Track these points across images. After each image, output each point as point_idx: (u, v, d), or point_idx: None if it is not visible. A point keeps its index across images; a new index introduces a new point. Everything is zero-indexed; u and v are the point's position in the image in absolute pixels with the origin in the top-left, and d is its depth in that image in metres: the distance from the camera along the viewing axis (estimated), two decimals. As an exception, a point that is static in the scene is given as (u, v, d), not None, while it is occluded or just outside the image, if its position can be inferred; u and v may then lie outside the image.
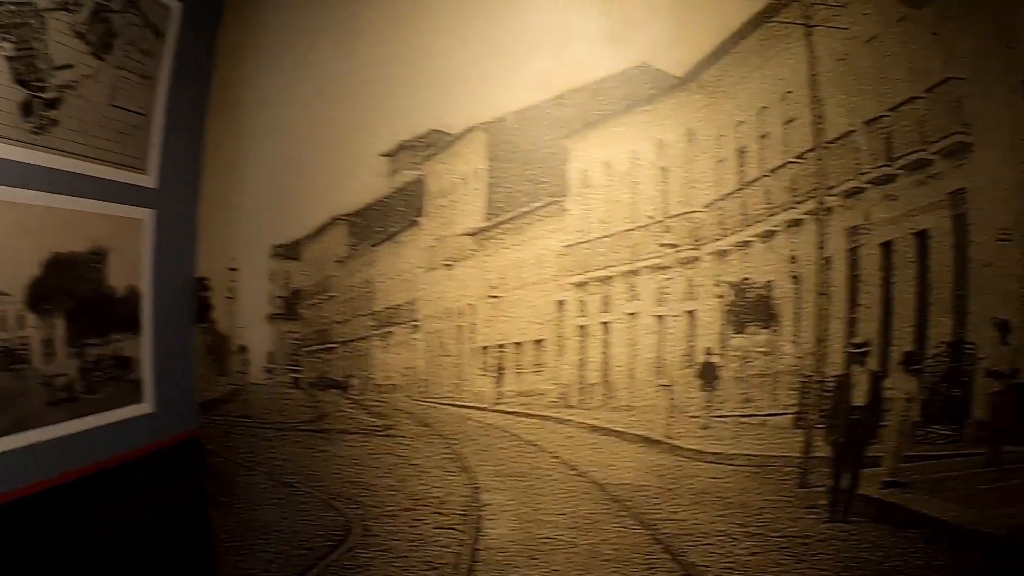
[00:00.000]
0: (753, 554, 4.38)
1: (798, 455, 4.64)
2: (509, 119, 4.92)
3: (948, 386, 4.64)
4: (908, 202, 4.65)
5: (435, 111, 5.02)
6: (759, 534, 4.45)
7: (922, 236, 4.67)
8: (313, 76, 5.22)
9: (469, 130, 5.17)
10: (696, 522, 4.55)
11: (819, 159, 4.71)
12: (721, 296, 4.90)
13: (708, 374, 4.93)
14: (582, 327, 5.37)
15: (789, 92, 4.81)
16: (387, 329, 5.72)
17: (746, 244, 4.99)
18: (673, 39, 4.67)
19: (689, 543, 4.45)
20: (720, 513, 4.58)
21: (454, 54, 4.92)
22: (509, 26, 4.85)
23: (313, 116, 5.23)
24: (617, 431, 5.10)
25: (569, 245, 5.31)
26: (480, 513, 4.81)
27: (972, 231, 4.57)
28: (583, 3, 4.81)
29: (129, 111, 4.40)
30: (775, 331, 4.83)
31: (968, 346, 4.60)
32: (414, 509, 4.97)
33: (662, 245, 5.07)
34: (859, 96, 4.69)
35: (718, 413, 4.94)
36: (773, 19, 4.71)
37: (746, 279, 4.89)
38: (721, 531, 4.49)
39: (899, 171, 4.65)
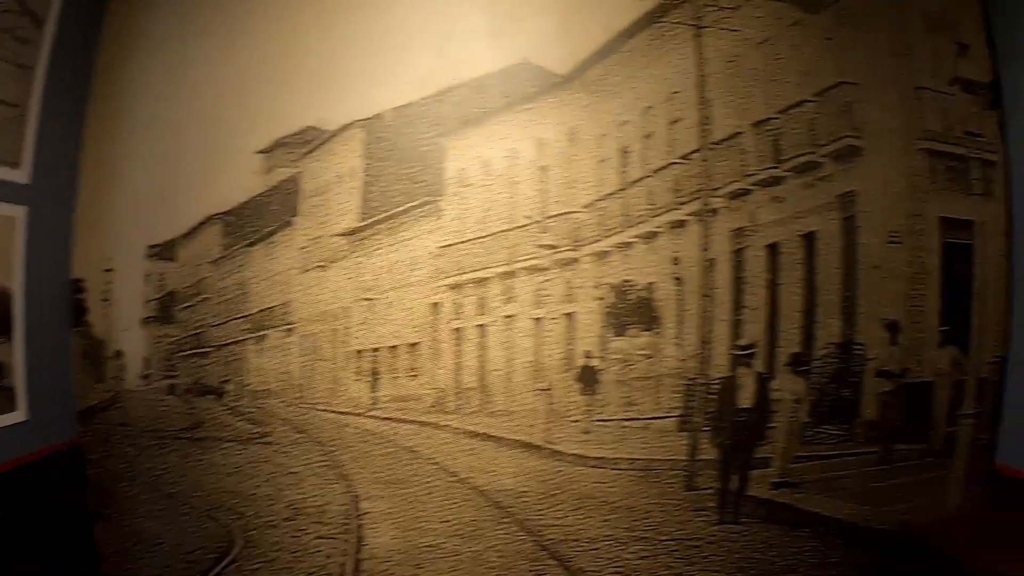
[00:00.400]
0: (642, 558, 4.33)
1: (684, 458, 4.61)
2: (388, 116, 4.79)
3: (837, 386, 4.64)
4: (796, 204, 4.62)
5: (313, 107, 4.85)
6: (647, 537, 4.41)
7: (809, 238, 4.65)
8: (196, 69, 5.01)
9: (347, 127, 5.04)
10: (582, 527, 4.48)
11: (704, 160, 4.66)
12: (601, 298, 4.81)
13: (588, 378, 4.83)
14: (458, 330, 5.25)
15: (676, 92, 4.76)
16: (261, 333, 5.52)
17: (627, 245, 4.91)
18: (558, 36, 4.57)
19: (576, 548, 4.37)
20: (606, 517, 4.52)
21: (336, 50, 4.75)
22: (391, 22, 4.69)
23: (193, 111, 5.01)
24: (496, 436, 5.00)
25: (445, 246, 5.21)
26: (361, 522, 4.68)
27: (861, 233, 4.57)
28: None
29: (2, 102, 4.19)
30: (657, 333, 4.77)
31: (857, 347, 4.61)
32: (295, 519, 4.81)
33: (540, 246, 4.97)
34: (747, 98, 4.66)
35: (599, 417, 4.85)
36: (663, 19, 4.66)
37: (627, 281, 4.82)
38: (608, 535, 4.43)
39: (787, 173, 4.62)
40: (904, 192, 4.63)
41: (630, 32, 4.66)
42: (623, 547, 4.37)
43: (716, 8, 4.62)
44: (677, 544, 4.36)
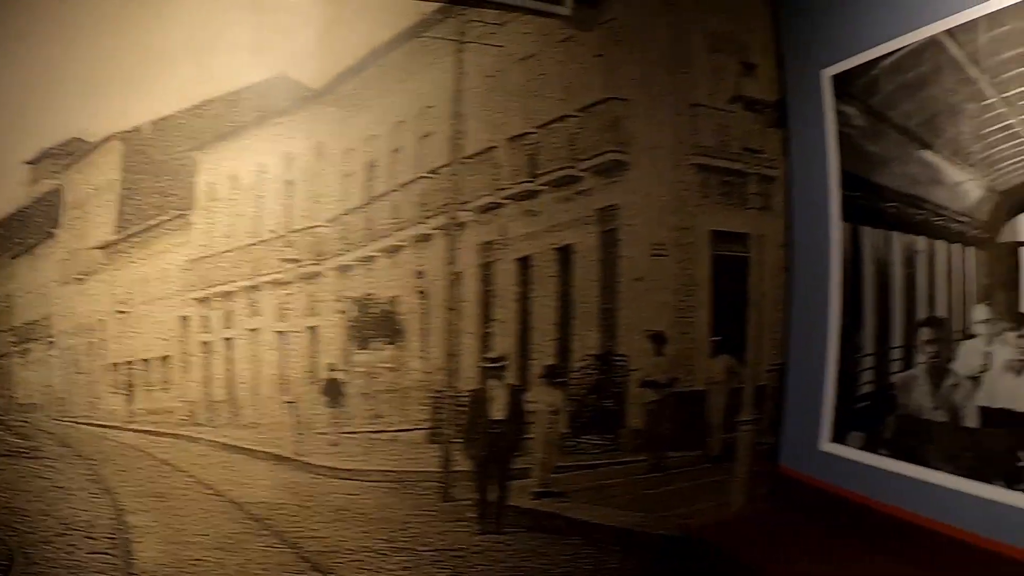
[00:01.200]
0: (405, 568, 4.32)
1: (437, 470, 4.61)
2: (146, 129, 4.75)
3: (598, 397, 4.69)
4: (550, 217, 4.67)
5: (78, 118, 4.74)
6: (408, 549, 4.40)
7: (565, 251, 4.72)
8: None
9: (107, 139, 4.95)
10: (340, 539, 4.45)
11: (454, 174, 4.66)
12: (343, 312, 4.79)
13: (333, 390, 4.80)
14: (206, 343, 5.20)
15: (429, 107, 4.77)
16: (26, 345, 5.50)
17: (370, 259, 4.90)
18: (317, 50, 4.53)
19: (337, 560, 4.34)
20: (363, 529, 4.50)
21: (104, 59, 4.61)
22: (160, 32, 4.58)
23: (-31, 119, 5.01)
24: (247, 448, 4.96)
25: (193, 260, 5.12)
26: (128, 536, 4.58)
27: (623, 246, 4.63)
28: (235, 10, 4.61)
29: None
30: (401, 347, 4.78)
31: (618, 358, 4.67)
32: (67, 534, 4.68)
33: (284, 260, 4.94)
34: (504, 113, 4.68)
35: (347, 429, 4.83)
36: (424, 34, 4.64)
37: (369, 294, 4.80)
38: (367, 547, 4.40)
39: (542, 187, 4.66)
40: (671, 205, 4.70)
41: (390, 46, 4.64)
42: (384, 558, 4.36)
43: (481, 24, 4.61)
44: (439, 554, 4.37)
